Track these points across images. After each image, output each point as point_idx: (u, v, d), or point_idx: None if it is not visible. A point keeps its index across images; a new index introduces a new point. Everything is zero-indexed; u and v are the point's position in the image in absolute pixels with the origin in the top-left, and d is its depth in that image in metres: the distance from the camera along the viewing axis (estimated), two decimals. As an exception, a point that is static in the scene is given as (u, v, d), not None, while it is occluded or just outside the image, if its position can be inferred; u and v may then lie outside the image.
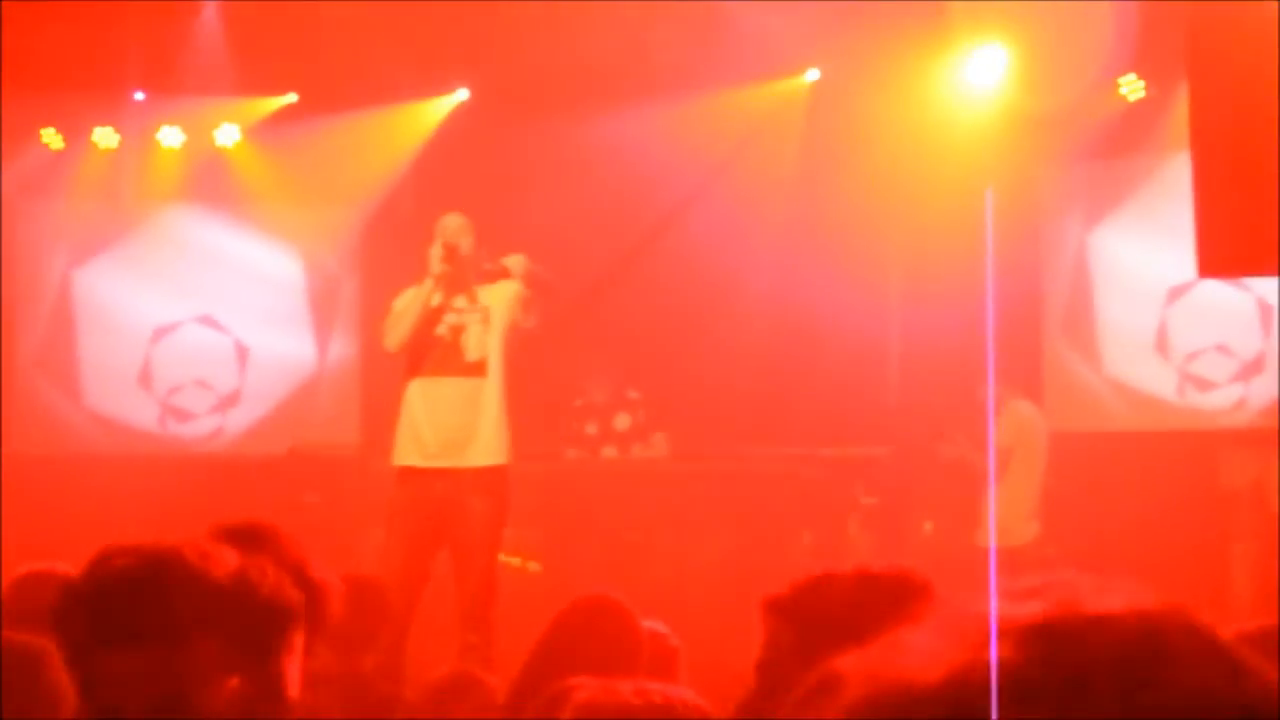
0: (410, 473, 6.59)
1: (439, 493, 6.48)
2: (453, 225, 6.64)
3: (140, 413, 10.48)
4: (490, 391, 6.55)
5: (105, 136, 10.41)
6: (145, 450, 10.14)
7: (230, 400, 10.56)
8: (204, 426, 10.53)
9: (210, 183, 10.53)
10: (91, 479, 9.16)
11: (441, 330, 6.55)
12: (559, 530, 8.56)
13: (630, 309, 10.05)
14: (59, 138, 10.36)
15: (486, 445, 6.54)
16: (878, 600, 2.00)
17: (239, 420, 10.54)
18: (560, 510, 8.64)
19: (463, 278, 6.59)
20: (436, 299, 6.57)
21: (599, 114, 9.81)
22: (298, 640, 1.91)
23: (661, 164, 10.00)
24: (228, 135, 10.54)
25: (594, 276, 10.10)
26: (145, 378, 10.53)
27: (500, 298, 6.60)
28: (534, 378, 9.66)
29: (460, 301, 6.58)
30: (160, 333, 10.55)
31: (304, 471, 9.40)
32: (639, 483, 8.96)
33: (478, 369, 6.54)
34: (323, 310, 10.61)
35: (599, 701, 2.78)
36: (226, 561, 1.88)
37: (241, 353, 10.60)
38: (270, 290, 10.59)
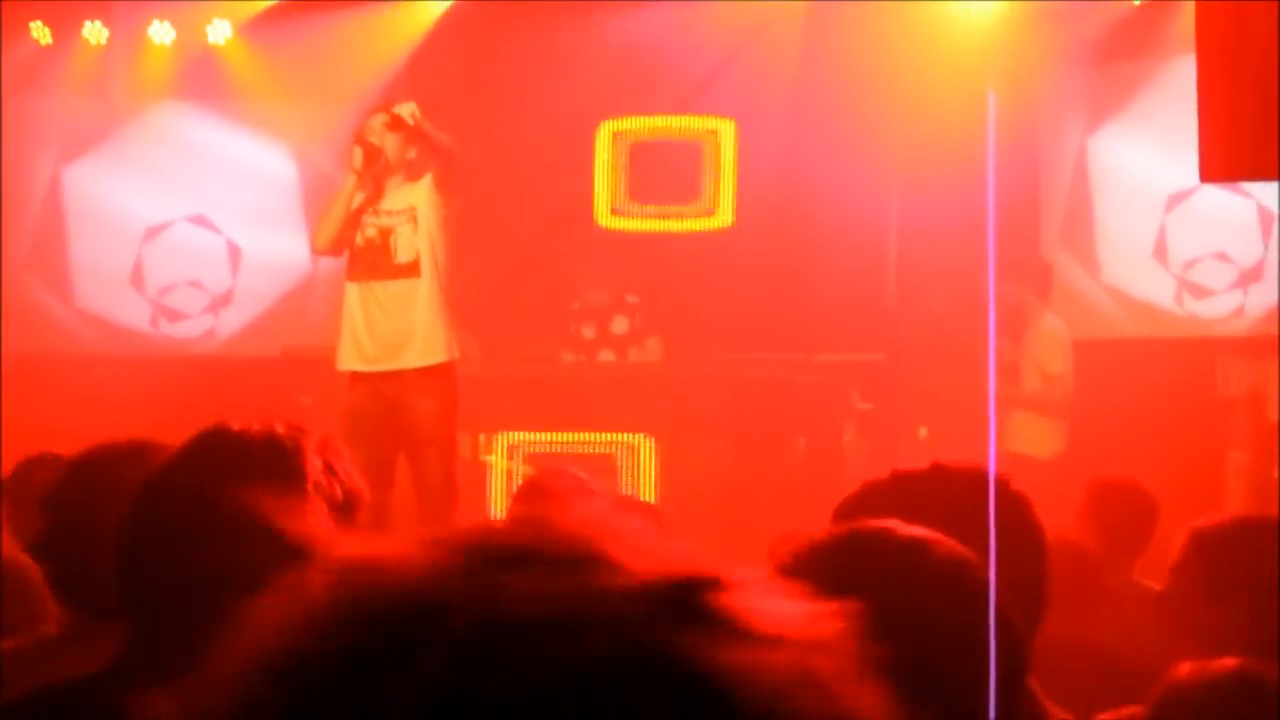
0: (357, 377, 6.64)
1: (387, 395, 6.52)
2: (376, 125, 6.63)
3: (132, 312, 10.43)
4: (424, 291, 6.57)
5: (95, 31, 10.27)
6: (137, 350, 10.10)
7: (222, 300, 10.50)
8: (196, 327, 10.49)
9: (202, 80, 10.40)
10: (83, 378, 9.12)
11: (371, 233, 6.60)
12: (555, 433, 8.55)
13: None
14: (47, 31, 10.21)
15: (425, 345, 6.56)
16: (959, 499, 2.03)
17: (231, 320, 10.49)
18: (555, 414, 8.62)
19: (386, 175, 6.57)
20: (358, 200, 6.58)
21: (595, 12, 9.70)
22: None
23: (660, 64, 9.89)
24: (219, 31, 10.40)
25: (588, 181, 10.04)
26: (137, 277, 10.47)
27: (426, 195, 6.57)
28: (531, 280, 9.66)
29: (387, 203, 6.59)
30: (152, 232, 10.47)
31: (297, 373, 9.36)
32: (634, 387, 8.94)
33: (410, 270, 6.58)
34: (316, 210, 10.50)
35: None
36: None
37: (234, 252, 10.52)
38: (263, 189, 10.50)
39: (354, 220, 6.60)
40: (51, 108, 10.38)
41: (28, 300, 10.21)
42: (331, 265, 10.33)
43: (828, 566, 1.54)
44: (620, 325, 9.29)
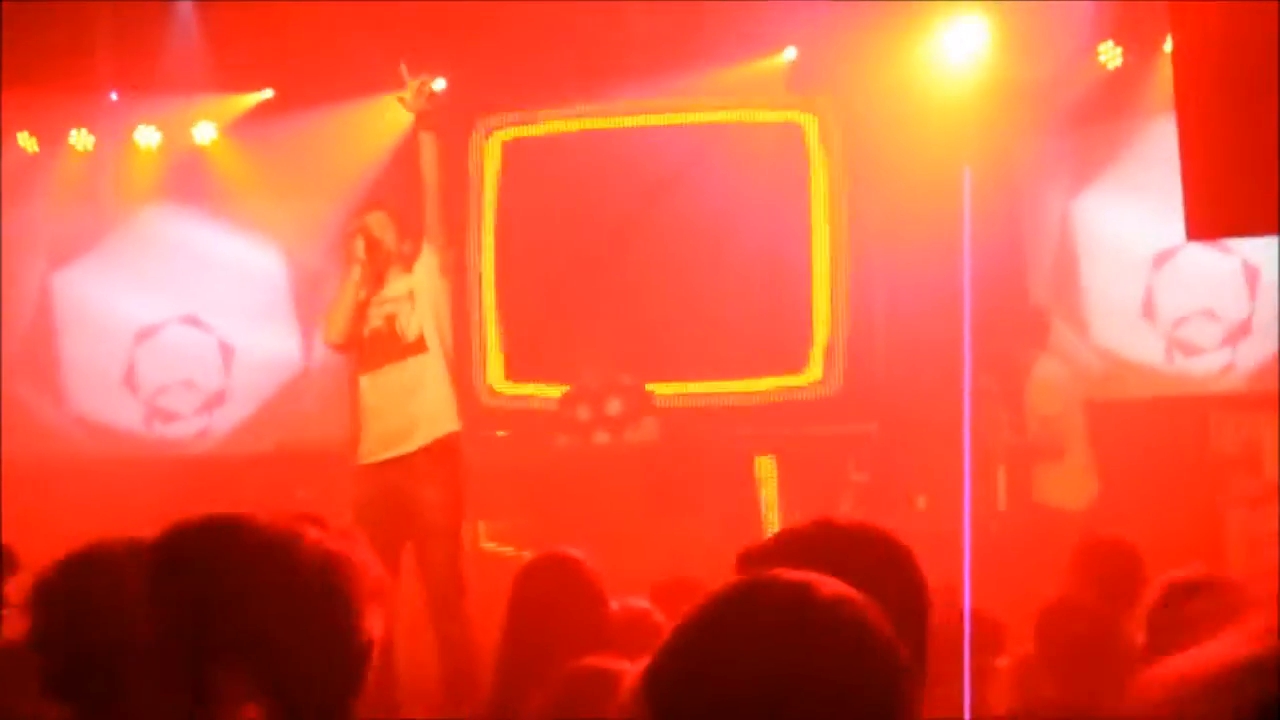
0: (363, 470, 6.66)
1: (393, 483, 6.54)
2: (375, 221, 6.75)
3: (126, 415, 10.44)
4: (433, 364, 6.68)
5: (81, 138, 10.35)
6: (132, 453, 10.10)
7: (216, 400, 10.51)
8: (191, 427, 10.49)
9: (189, 181, 10.48)
10: (78, 483, 9.11)
11: (377, 323, 6.70)
12: (552, 518, 8.53)
13: (617, 295, 10.04)
14: (34, 141, 10.30)
15: (434, 418, 6.62)
16: (843, 550, 2.04)
17: (226, 419, 10.50)
18: (552, 498, 8.61)
19: (384, 265, 6.74)
20: (363, 293, 6.68)
21: (576, 100, 9.80)
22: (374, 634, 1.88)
23: (642, 148, 9.98)
24: (205, 133, 10.49)
25: (581, 265, 10.10)
26: (130, 380, 10.48)
27: (421, 273, 6.72)
28: (527, 361, 9.69)
29: (388, 291, 6.69)
30: (143, 334, 10.50)
31: (293, 468, 9.36)
32: (630, 467, 8.94)
33: (417, 347, 6.67)
34: (306, 306, 10.55)
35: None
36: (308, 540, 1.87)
37: (226, 351, 10.55)
38: (253, 287, 10.54)
39: (363, 315, 6.70)
40: (40, 215, 10.44)
41: (20, 405, 10.21)
42: (323, 360, 10.39)
43: (724, 608, 1.59)
44: (614, 407, 9.31)
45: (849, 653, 1.57)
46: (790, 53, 9.96)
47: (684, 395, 9.70)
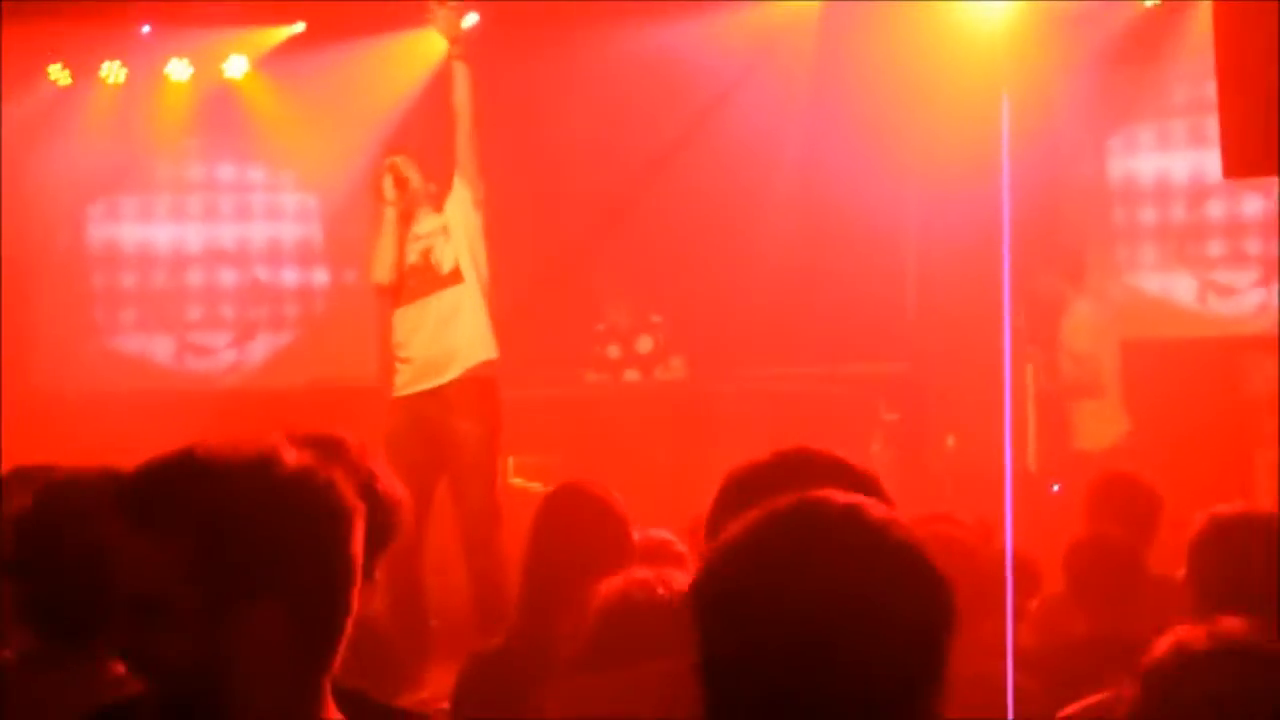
0: (398, 402, 6.68)
1: (429, 415, 6.56)
2: (400, 161, 6.77)
3: (157, 349, 10.49)
4: (469, 294, 6.72)
5: (113, 71, 10.34)
6: (163, 386, 10.15)
7: (247, 334, 10.55)
8: (222, 361, 10.54)
9: (220, 115, 10.48)
10: (109, 416, 9.16)
11: (413, 258, 6.75)
12: (580, 454, 8.56)
13: (649, 231, 10.02)
14: (66, 73, 10.30)
15: (472, 346, 6.65)
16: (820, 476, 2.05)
17: (257, 354, 10.54)
18: (581, 434, 8.63)
19: (413, 203, 6.78)
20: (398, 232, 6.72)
21: (607, 32, 9.74)
22: (355, 546, 1.87)
23: (675, 80, 9.92)
24: (236, 67, 10.47)
25: (611, 200, 10.07)
26: (161, 313, 10.53)
27: (454, 207, 6.75)
28: (557, 302, 9.69)
29: (419, 227, 6.69)
30: (174, 267, 10.54)
31: (324, 404, 9.39)
32: (660, 406, 8.95)
33: (454, 278, 6.71)
34: (337, 240, 10.57)
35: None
36: (286, 460, 1.85)
37: (257, 286, 10.58)
38: (283, 221, 10.56)
39: (401, 249, 6.75)
40: (72, 148, 10.46)
41: (53, 339, 10.27)
42: (353, 294, 10.41)
43: (774, 525, 1.59)
44: (645, 344, 9.32)
45: (898, 574, 1.58)
46: (826, -14, 9.88)
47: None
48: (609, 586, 3.17)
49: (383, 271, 6.76)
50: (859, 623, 1.53)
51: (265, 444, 1.86)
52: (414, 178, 6.83)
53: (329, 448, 2.14)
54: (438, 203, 6.81)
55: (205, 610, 1.79)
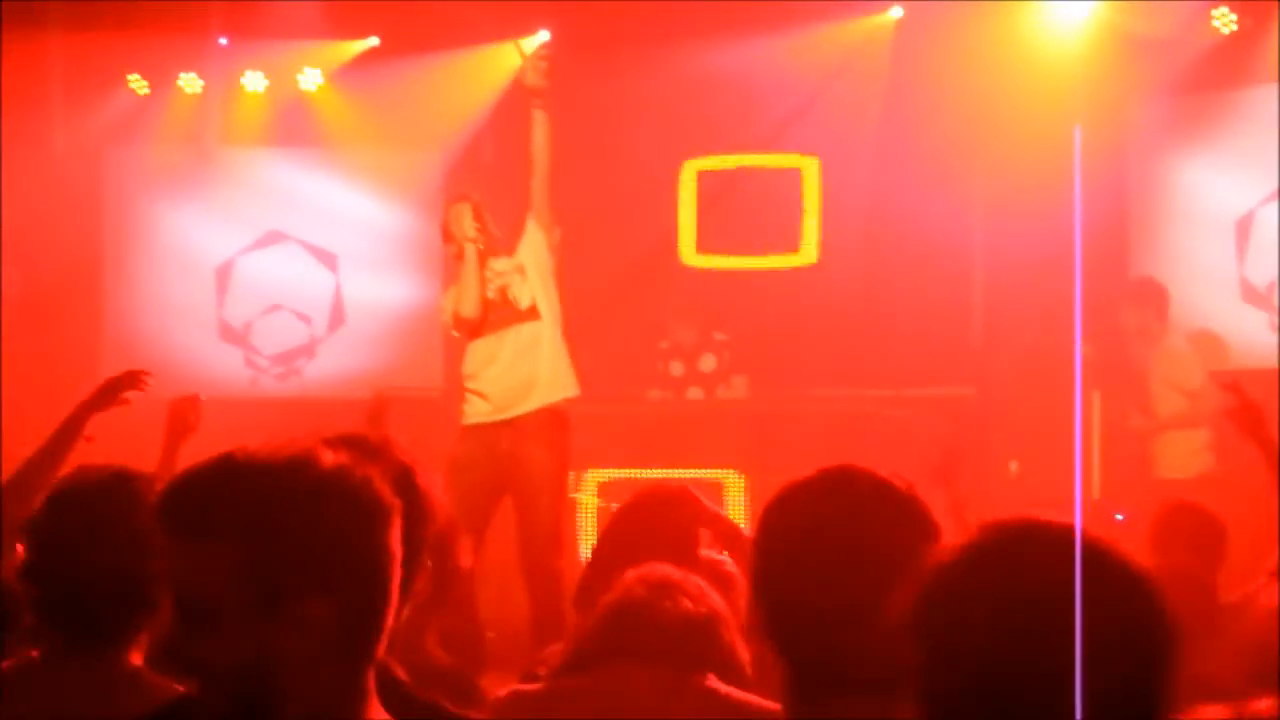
0: (471, 429, 6.74)
1: (503, 445, 6.62)
2: (471, 202, 6.91)
3: (225, 355, 10.59)
4: (547, 331, 6.80)
5: (190, 81, 10.48)
6: (230, 392, 10.24)
7: (314, 343, 10.64)
8: (290, 368, 10.62)
9: (294, 126, 10.58)
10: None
11: (490, 294, 6.76)
12: (641, 471, 8.57)
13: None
14: (144, 83, 10.44)
15: (551, 383, 6.72)
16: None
17: (323, 363, 10.62)
18: (643, 451, 8.64)
19: (492, 245, 6.87)
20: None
21: (682, 54, 9.76)
22: (393, 541, 1.90)
23: (746, 103, 9.94)
24: (310, 79, 10.58)
25: (677, 219, 10.10)
26: (230, 320, 10.64)
27: (527, 250, 6.84)
28: (620, 320, 9.71)
29: (496, 265, 6.79)
30: (245, 276, 10.64)
31: (389, 413, 9.45)
32: (721, 424, 8.95)
33: (531, 314, 6.77)
34: (406, 253, 10.64)
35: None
36: (322, 460, 1.88)
37: (325, 295, 10.66)
38: (354, 233, 10.64)
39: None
40: (149, 156, 10.60)
41: (127, 343, 10.39)
42: (421, 307, 10.47)
43: (997, 549, 1.63)
44: (708, 363, 9.32)
45: (1118, 600, 1.57)
46: (897, 10, 9.87)
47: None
48: (620, 582, 3.15)
49: (469, 305, 6.83)
50: (1082, 647, 1.52)
51: (301, 445, 1.89)
52: (489, 219, 6.94)
53: (365, 447, 2.17)
54: (509, 247, 6.90)
55: (254, 612, 1.82)
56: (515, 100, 9.32)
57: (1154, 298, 8.45)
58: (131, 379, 4.78)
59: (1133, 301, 8.39)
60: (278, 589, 1.82)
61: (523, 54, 7.01)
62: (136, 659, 2.69)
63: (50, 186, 10.07)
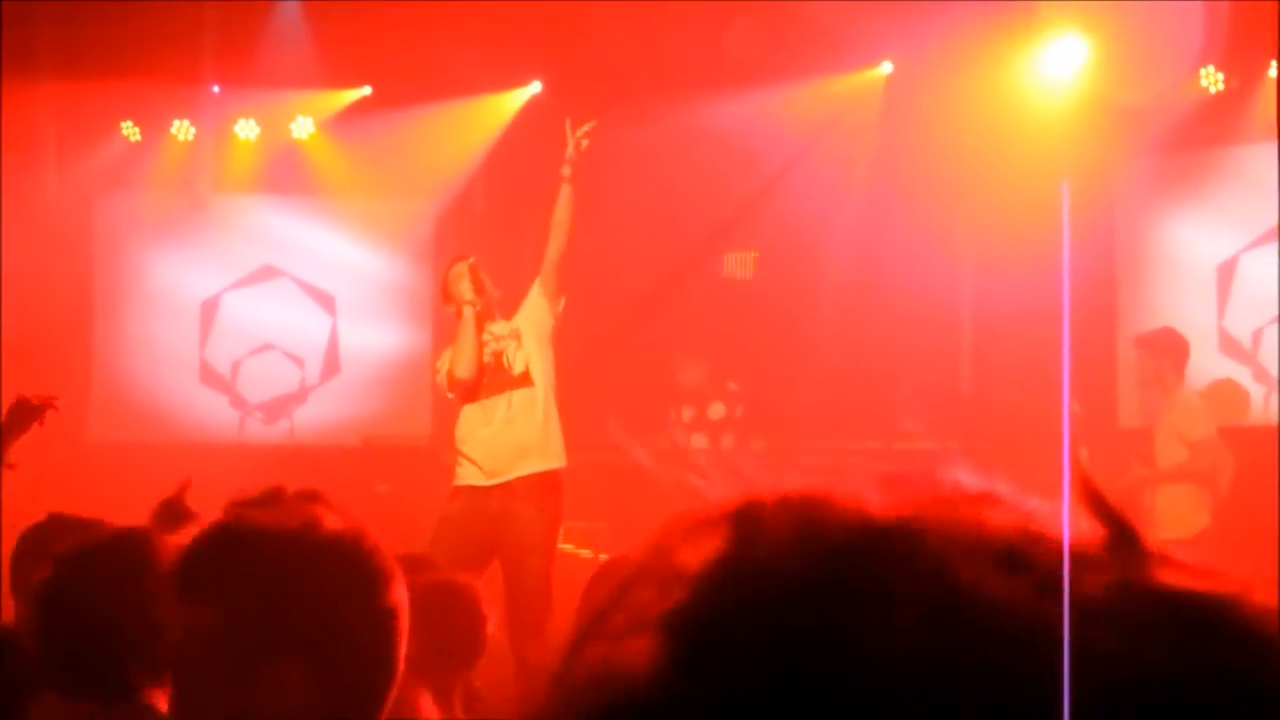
0: (463, 489, 6.74)
1: (494, 506, 6.63)
2: (470, 265, 6.90)
3: (214, 402, 10.58)
4: (540, 398, 6.79)
5: (182, 129, 10.51)
6: (219, 440, 10.23)
7: (303, 391, 10.64)
8: (278, 416, 10.62)
9: (285, 174, 10.62)
10: (165, 468, 9.23)
11: (486, 359, 6.77)
12: (628, 521, 8.54)
13: (709, 303, 10.07)
14: (137, 130, 10.48)
15: (542, 451, 6.72)
16: None
17: (312, 411, 10.62)
18: (630, 501, 8.61)
19: (489, 308, 6.90)
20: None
21: (674, 107, 9.81)
22: (390, 607, 1.90)
23: (737, 158, 9.99)
24: (303, 128, 10.62)
25: (670, 273, 10.12)
26: (219, 367, 10.63)
27: (526, 314, 6.89)
28: (632, 366, 9.72)
29: (493, 329, 6.83)
30: (235, 323, 10.64)
31: (377, 462, 9.45)
32: (716, 474, 8.92)
33: (525, 380, 6.79)
34: (396, 301, 10.66)
35: None
36: (323, 527, 1.89)
37: (320, 338, 10.67)
38: (344, 282, 10.66)
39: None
40: (141, 202, 10.62)
41: (116, 389, 10.39)
42: (410, 356, 10.48)
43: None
44: (717, 410, 9.29)
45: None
46: (887, 67, 9.94)
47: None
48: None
49: (465, 367, 6.84)
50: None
51: (301, 507, 1.90)
52: (487, 282, 6.97)
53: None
54: (506, 310, 6.93)
55: (228, 675, 1.84)
56: (511, 153, 9.36)
57: (1172, 348, 8.43)
58: (29, 408, 4.80)
59: (1149, 351, 8.38)
60: (253, 653, 1.83)
61: (570, 131, 7.07)
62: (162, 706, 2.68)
63: (43, 232, 10.09)
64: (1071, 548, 0.66)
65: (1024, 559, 0.66)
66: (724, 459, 9.11)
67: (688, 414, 9.29)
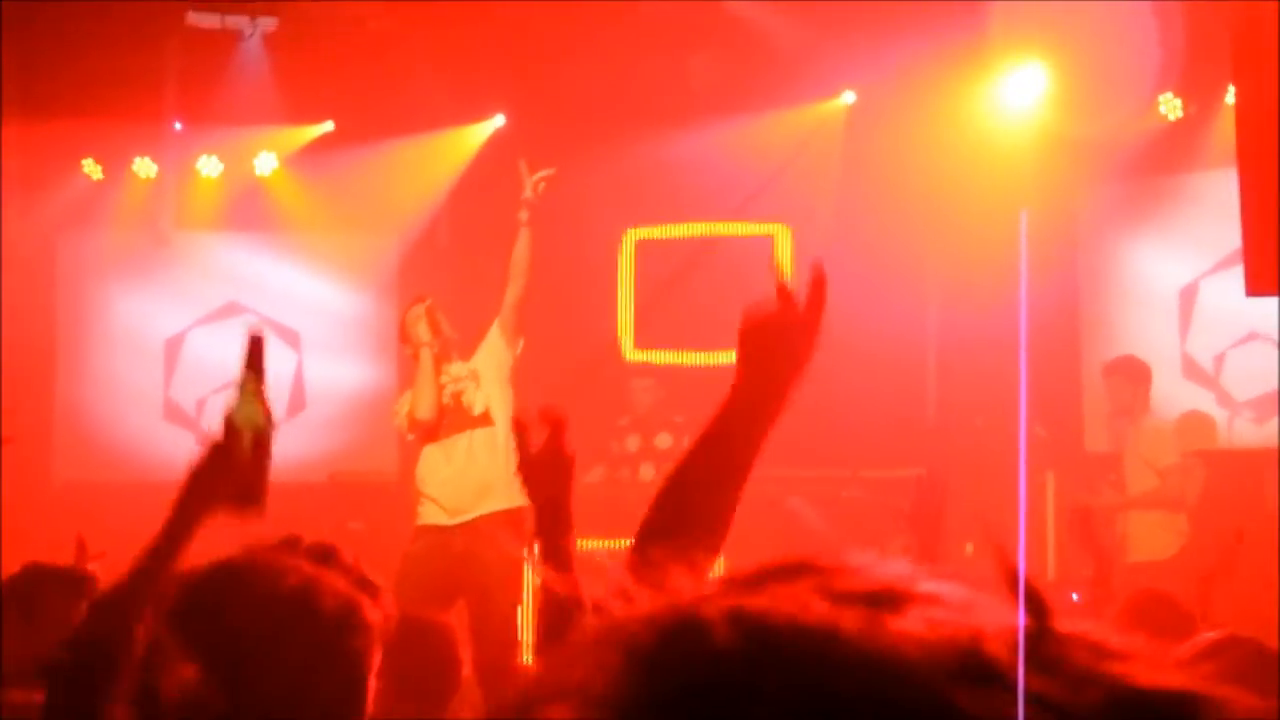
0: (426, 529, 6.73)
1: (457, 546, 6.61)
2: (430, 307, 6.93)
3: (180, 440, 10.51)
4: (501, 437, 6.78)
5: (144, 166, 10.48)
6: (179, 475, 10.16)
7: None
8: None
9: (249, 211, 10.59)
10: (132, 506, 9.16)
11: (445, 400, 6.78)
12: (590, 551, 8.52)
13: (674, 329, 10.08)
14: (98, 168, 10.44)
15: (505, 489, 6.69)
16: None
17: (278, 447, 10.53)
18: (591, 531, 8.59)
19: (447, 349, 6.93)
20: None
21: (638, 138, 9.84)
22: (373, 655, 1.89)
23: (700, 188, 10.01)
24: (266, 164, 10.60)
25: (636, 300, 10.13)
26: (179, 399, 10.57)
27: (485, 354, 6.88)
28: (583, 392, 9.71)
29: (452, 370, 6.82)
30: (198, 361, 10.59)
31: (345, 499, 9.40)
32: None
33: (484, 420, 6.81)
34: (361, 337, 10.63)
35: None
36: (297, 573, 1.88)
37: (279, 381, 10.62)
38: (309, 318, 10.62)
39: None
40: (103, 240, 10.57)
41: (79, 429, 10.32)
42: (376, 391, 10.44)
43: None
44: (664, 440, 9.31)
45: None
46: (849, 97, 9.99)
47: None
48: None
49: (424, 409, 6.86)
50: None
51: (293, 570, 1.89)
52: (444, 323, 6.98)
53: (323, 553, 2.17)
54: (464, 352, 6.94)
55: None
56: (475, 187, 9.35)
57: (1136, 376, 8.49)
58: None
59: (1115, 378, 8.43)
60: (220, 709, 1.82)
61: (525, 173, 7.08)
62: None
63: (5, 271, 10.03)
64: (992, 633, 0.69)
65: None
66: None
67: (633, 443, 9.31)
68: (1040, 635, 0.70)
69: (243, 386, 2.66)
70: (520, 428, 2.64)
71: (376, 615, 1.89)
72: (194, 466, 2.50)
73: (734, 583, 0.72)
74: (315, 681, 1.85)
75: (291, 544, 1.98)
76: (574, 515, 2.69)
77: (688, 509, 1.99)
